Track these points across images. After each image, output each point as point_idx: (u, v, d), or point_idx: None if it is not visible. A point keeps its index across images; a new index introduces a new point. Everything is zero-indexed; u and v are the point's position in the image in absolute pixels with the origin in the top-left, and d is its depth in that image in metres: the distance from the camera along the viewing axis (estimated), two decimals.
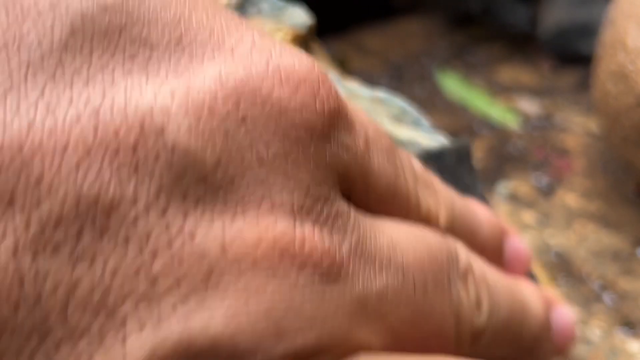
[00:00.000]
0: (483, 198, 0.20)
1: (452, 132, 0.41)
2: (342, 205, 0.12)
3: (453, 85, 0.46)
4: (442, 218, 0.16)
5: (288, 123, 0.12)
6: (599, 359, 0.26)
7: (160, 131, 0.10)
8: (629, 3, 0.31)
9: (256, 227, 0.11)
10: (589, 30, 0.47)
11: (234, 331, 0.10)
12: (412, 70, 0.48)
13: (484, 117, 0.43)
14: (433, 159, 0.20)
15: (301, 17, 0.23)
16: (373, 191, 0.14)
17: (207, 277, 0.10)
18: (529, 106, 0.44)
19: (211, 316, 0.10)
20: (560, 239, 0.33)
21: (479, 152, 0.39)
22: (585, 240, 0.33)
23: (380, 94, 0.23)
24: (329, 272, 0.11)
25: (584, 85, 0.47)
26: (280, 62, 0.12)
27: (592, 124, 0.42)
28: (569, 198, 0.36)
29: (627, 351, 0.27)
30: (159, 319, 0.10)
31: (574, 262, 0.31)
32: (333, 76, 0.22)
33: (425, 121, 0.23)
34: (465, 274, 0.15)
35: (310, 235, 0.11)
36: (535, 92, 0.46)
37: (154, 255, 0.10)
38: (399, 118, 0.22)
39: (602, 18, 0.35)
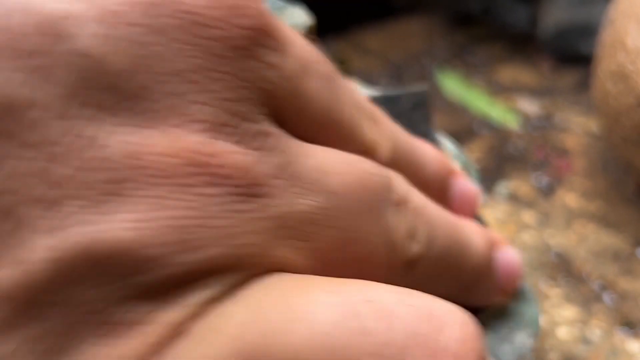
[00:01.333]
0: (437, 145, 0.20)
1: (452, 132, 0.41)
2: (266, 125, 0.12)
3: (453, 85, 0.46)
4: (384, 151, 0.16)
5: (206, 36, 0.11)
6: (599, 359, 0.26)
7: (67, 36, 0.10)
8: (629, 3, 0.31)
9: (166, 137, 0.11)
10: (589, 30, 0.47)
11: (138, 239, 0.10)
12: (412, 70, 0.48)
13: (484, 117, 0.43)
14: (388, 103, 0.20)
15: (301, 17, 0.23)
16: (306, 116, 0.14)
17: (111, 184, 0.10)
18: (529, 106, 0.44)
19: (114, 223, 0.10)
20: (560, 239, 0.33)
21: (479, 152, 0.39)
22: (585, 240, 0.33)
23: (379, 93, 0.23)
24: (246, 188, 0.11)
25: (584, 85, 0.47)
26: None
27: (592, 124, 0.42)
28: (569, 198, 0.36)
29: (627, 351, 0.27)
30: (59, 224, 0.10)
31: (574, 262, 0.31)
32: None
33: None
34: (400, 203, 0.14)
35: (225, 151, 0.11)
36: (535, 92, 0.46)
37: (53, 159, 0.10)
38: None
39: (602, 18, 0.35)
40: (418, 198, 0.15)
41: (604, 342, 0.27)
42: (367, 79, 0.46)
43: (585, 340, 0.27)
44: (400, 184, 0.15)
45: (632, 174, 0.35)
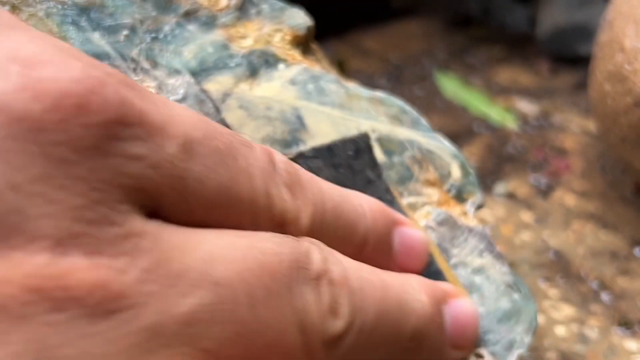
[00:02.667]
0: (387, 191, 0.19)
1: (452, 133, 0.41)
2: (134, 224, 0.11)
3: (452, 86, 0.46)
4: (303, 218, 0.15)
5: (46, 142, 0.10)
6: (597, 358, 0.27)
7: None
8: (626, 4, 0.32)
9: (5, 263, 0.10)
10: (587, 32, 0.47)
11: None
12: (412, 71, 0.48)
13: (483, 118, 0.43)
14: (325, 154, 0.19)
15: (301, 18, 0.23)
16: (194, 199, 0.12)
17: None
18: (528, 107, 0.44)
19: None
20: (558, 238, 0.33)
21: (477, 153, 0.39)
22: (583, 240, 0.33)
23: (380, 94, 0.23)
24: (100, 306, 0.10)
25: (582, 86, 0.47)
26: (39, 75, 0.11)
27: (590, 125, 0.42)
28: (567, 198, 0.36)
29: (625, 350, 0.27)
30: None
31: (572, 262, 0.31)
32: (332, 77, 0.22)
33: (424, 121, 0.23)
34: (318, 278, 0.13)
35: (75, 268, 0.10)
36: (534, 92, 0.46)
37: None
38: (398, 118, 0.22)
39: (600, 19, 0.35)
40: (341, 267, 0.14)
41: (602, 340, 0.27)
42: (367, 80, 0.46)
43: (583, 339, 0.27)
44: (318, 255, 0.14)
45: (630, 173, 0.35)
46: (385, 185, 0.20)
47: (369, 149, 0.19)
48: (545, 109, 0.44)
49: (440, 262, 0.20)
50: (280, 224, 0.14)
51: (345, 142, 0.19)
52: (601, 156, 0.39)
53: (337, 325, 0.14)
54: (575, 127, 0.42)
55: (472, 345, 0.18)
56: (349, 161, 0.18)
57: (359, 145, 0.19)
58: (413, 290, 0.16)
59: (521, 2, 0.56)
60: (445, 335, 0.17)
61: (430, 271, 0.19)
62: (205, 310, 0.11)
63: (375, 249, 0.17)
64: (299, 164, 0.17)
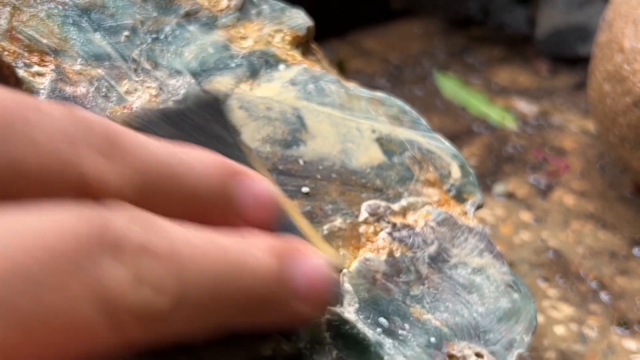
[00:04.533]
0: (240, 149, 0.18)
1: (451, 133, 0.41)
2: None
3: (452, 86, 0.46)
4: (121, 183, 0.14)
5: None
6: (596, 357, 0.27)
7: None
8: (625, 4, 0.32)
9: None
10: (586, 32, 0.48)
11: None
12: (412, 71, 0.48)
13: (483, 118, 0.43)
14: (175, 119, 0.18)
15: (301, 18, 0.23)
16: None
17: None
18: (527, 107, 0.44)
19: None
20: (557, 238, 0.33)
21: (477, 153, 0.39)
22: (582, 239, 0.33)
23: (380, 94, 0.23)
24: None
25: (581, 86, 0.47)
26: None
27: (589, 125, 0.42)
28: (567, 198, 0.36)
29: (624, 349, 0.27)
30: None
31: (571, 262, 0.32)
32: (332, 77, 0.22)
33: (424, 121, 0.23)
34: (120, 248, 0.12)
35: None
36: (533, 93, 0.46)
37: None
38: (398, 118, 0.22)
39: (599, 20, 0.35)
40: (161, 235, 0.13)
41: (601, 340, 0.27)
42: (368, 81, 0.46)
43: (582, 339, 0.27)
44: (122, 224, 0.13)
45: (629, 173, 0.35)
46: (239, 144, 0.19)
47: (222, 111, 0.18)
48: (545, 109, 0.44)
49: (295, 216, 0.19)
50: (90, 192, 0.13)
51: (199, 106, 0.18)
52: (600, 156, 0.39)
53: (158, 300, 0.13)
54: (574, 127, 0.42)
55: (326, 301, 0.17)
56: (201, 124, 0.18)
57: (212, 108, 0.18)
58: (255, 250, 0.15)
59: (520, 3, 0.56)
60: (294, 293, 0.16)
61: (283, 226, 0.18)
62: None
63: (214, 205, 0.16)
64: (148, 131, 0.16)
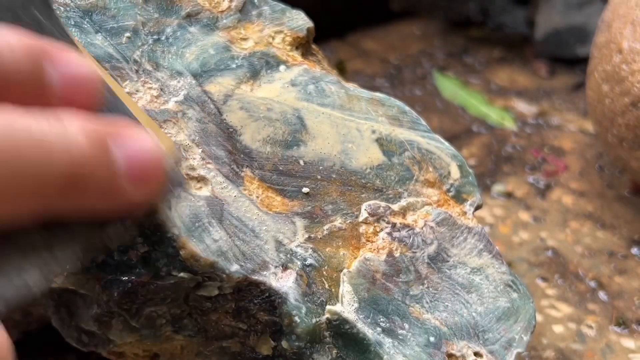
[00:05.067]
0: (59, 31, 0.17)
1: (450, 133, 0.41)
2: None
3: (451, 86, 0.46)
4: None
5: None
6: (595, 356, 0.27)
7: None
8: (623, 5, 0.32)
9: None
10: (584, 33, 0.48)
11: None
12: (411, 72, 0.49)
13: (482, 118, 0.43)
14: None
15: (301, 19, 0.23)
16: None
17: None
18: (526, 107, 0.44)
19: None
20: (556, 238, 0.33)
21: (476, 153, 0.40)
22: (581, 239, 0.33)
23: (380, 94, 0.23)
24: None
25: (580, 86, 0.47)
26: None
27: (587, 125, 0.42)
28: (565, 198, 0.36)
29: (623, 348, 0.27)
30: None
31: (570, 261, 0.32)
32: (333, 78, 0.23)
33: (423, 122, 0.23)
34: None
35: None
36: (532, 93, 0.47)
37: None
38: (398, 119, 0.23)
39: (598, 21, 0.36)
40: None
41: (599, 339, 0.28)
42: (368, 81, 0.46)
43: (580, 338, 0.28)
44: None
45: (627, 173, 0.35)
46: (58, 24, 0.17)
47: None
48: (543, 110, 0.44)
49: (125, 100, 0.18)
50: None
51: None
52: (599, 156, 0.39)
53: None
54: (573, 128, 0.42)
55: (156, 183, 0.17)
56: (16, 10, 0.17)
57: None
58: (64, 129, 0.15)
59: (519, 4, 0.56)
60: (115, 172, 0.16)
61: (108, 108, 0.18)
62: None
63: (26, 87, 0.15)
64: None
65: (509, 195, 0.36)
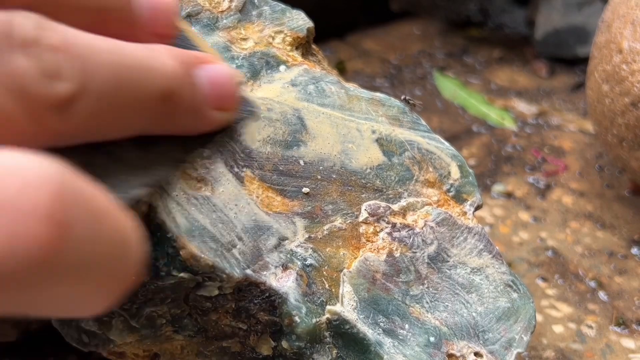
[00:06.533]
0: None
1: (450, 133, 0.41)
2: None
3: (451, 87, 0.46)
4: None
5: None
6: (595, 356, 0.27)
7: None
8: (623, 5, 0.32)
9: None
10: (584, 33, 0.48)
11: None
12: (411, 72, 0.49)
13: (481, 118, 0.43)
14: None
15: (301, 19, 0.23)
16: None
17: None
18: (526, 107, 0.44)
19: None
20: (556, 238, 0.33)
21: (476, 153, 0.40)
22: (580, 239, 0.33)
23: (380, 95, 0.23)
24: (15, 41, 0.12)
25: (580, 86, 0.47)
26: None
27: (587, 125, 0.42)
28: (565, 198, 0.36)
29: (622, 348, 0.27)
30: None
31: (570, 261, 0.32)
32: (333, 78, 0.23)
33: (423, 122, 0.23)
34: (28, 44, 0.13)
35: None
36: (532, 93, 0.47)
37: None
38: (398, 119, 0.23)
39: (598, 21, 0.36)
40: (62, 34, 0.14)
41: (599, 339, 0.28)
42: (367, 81, 0.46)
43: (580, 338, 0.28)
44: (29, 23, 0.14)
45: (627, 173, 0.35)
46: None
47: None
48: (543, 110, 0.44)
49: (192, 35, 0.20)
50: None
51: None
52: (598, 156, 0.39)
53: (62, 88, 0.14)
54: (572, 128, 0.42)
55: (234, 106, 0.19)
56: None
57: None
58: (159, 54, 0.16)
59: (519, 4, 0.56)
60: (201, 96, 0.17)
61: (184, 44, 0.19)
62: None
63: (117, 20, 0.17)
64: None
65: (509, 195, 0.36)
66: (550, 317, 0.29)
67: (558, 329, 0.28)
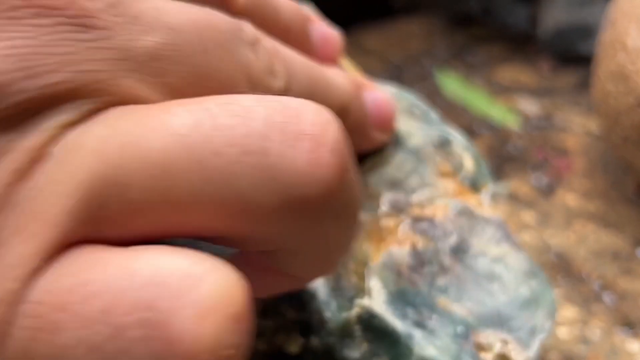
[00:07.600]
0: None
1: None
2: None
3: (453, 85, 0.46)
4: (244, 3, 0.16)
5: None
6: (599, 358, 0.27)
7: None
8: (628, 3, 0.31)
9: None
10: (589, 31, 0.47)
11: None
12: (412, 70, 0.48)
13: (484, 117, 0.43)
14: None
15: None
16: None
17: None
18: (529, 106, 0.44)
19: None
20: (560, 239, 0.33)
21: (479, 152, 0.39)
22: (585, 240, 0.33)
23: (391, 88, 0.23)
24: (78, 19, 0.11)
25: (584, 85, 0.47)
26: None
27: (592, 124, 0.42)
28: (569, 198, 0.36)
29: (627, 351, 0.27)
30: None
31: (574, 262, 0.31)
32: None
33: (433, 114, 0.23)
34: (254, 43, 0.15)
35: None
36: (535, 92, 0.46)
37: None
38: (410, 111, 0.23)
39: (602, 18, 0.35)
40: (271, 41, 0.16)
41: (604, 342, 0.27)
42: (368, 79, 0.46)
43: (585, 340, 0.27)
44: (251, 28, 0.15)
45: (632, 173, 0.35)
46: None
47: None
48: (547, 109, 0.44)
49: (348, 66, 0.22)
50: (219, 3, 0.16)
51: None
52: (603, 156, 0.39)
53: (277, 84, 0.15)
54: (577, 127, 0.42)
55: (392, 129, 0.21)
56: None
57: None
58: (337, 74, 0.18)
59: (522, 1, 0.56)
60: (367, 115, 0.20)
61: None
62: (164, 49, 0.12)
63: (296, 39, 0.19)
64: None
65: (511, 195, 0.36)
66: (554, 319, 0.28)
67: (562, 331, 0.28)
